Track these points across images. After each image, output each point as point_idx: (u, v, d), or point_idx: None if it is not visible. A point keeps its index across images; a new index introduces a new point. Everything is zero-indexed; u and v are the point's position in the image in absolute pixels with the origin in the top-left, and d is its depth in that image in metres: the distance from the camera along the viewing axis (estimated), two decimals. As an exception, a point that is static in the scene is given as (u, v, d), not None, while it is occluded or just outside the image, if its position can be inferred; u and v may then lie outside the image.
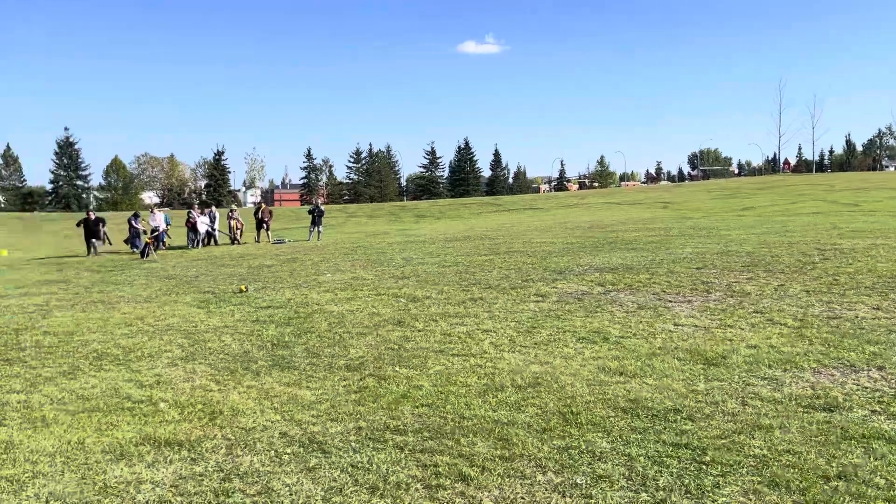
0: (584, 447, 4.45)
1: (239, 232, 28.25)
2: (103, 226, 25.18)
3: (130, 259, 22.39)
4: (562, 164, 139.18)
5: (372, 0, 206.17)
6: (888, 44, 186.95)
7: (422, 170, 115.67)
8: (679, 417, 4.94)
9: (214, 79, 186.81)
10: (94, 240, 24.65)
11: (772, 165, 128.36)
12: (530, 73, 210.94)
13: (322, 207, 28.86)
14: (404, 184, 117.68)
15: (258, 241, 28.78)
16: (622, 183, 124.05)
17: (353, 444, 4.67)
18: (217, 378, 6.54)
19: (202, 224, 27.25)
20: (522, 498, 3.79)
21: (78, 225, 25.42)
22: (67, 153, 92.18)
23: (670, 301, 9.90)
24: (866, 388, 5.48)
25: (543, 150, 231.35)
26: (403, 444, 4.61)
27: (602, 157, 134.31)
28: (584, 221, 32.96)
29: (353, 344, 7.83)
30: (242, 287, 13.07)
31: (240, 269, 17.40)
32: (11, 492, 4.07)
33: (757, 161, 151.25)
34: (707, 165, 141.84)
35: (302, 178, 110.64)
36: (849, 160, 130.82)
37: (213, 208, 29.77)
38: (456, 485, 3.95)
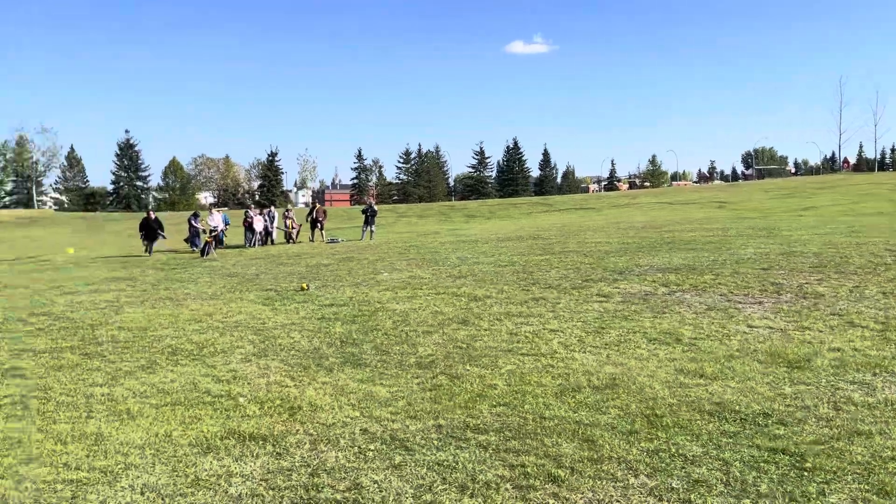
0: (674, 451, 4.33)
1: (295, 231, 28.66)
2: (161, 230, 25.55)
3: (191, 258, 22.91)
4: (612, 164, 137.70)
5: (420, 1, 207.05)
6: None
7: (470, 170, 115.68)
8: (770, 422, 4.78)
9: (268, 80, 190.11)
10: (152, 242, 24.98)
11: (830, 164, 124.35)
12: (579, 73, 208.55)
13: (375, 207, 29.07)
14: (452, 184, 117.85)
15: (312, 241, 29.15)
16: (674, 182, 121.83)
17: (435, 442, 4.65)
18: (291, 374, 6.61)
19: (258, 223, 27.73)
20: (617, 501, 3.70)
21: (141, 228, 25.71)
22: (128, 155, 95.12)
23: (739, 302, 9.63)
24: (967, 394, 5.22)
25: (592, 149, 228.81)
26: (486, 444, 4.57)
27: (654, 157, 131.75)
28: (638, 221, 32.44)
29: (421, 342, 7.82)
30: (304, 285, 13.23)
31: (298, 267, 17.62)
32: (106, 483, 4.16)
33: (814, 160, 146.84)
34: (762, 164, 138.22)
35: (352, 179, 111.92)
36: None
37: (272, 208, 30.14)
38: (547, 486, 3.89)
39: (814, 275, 11.53)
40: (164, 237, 25.58)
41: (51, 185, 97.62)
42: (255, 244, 27.13)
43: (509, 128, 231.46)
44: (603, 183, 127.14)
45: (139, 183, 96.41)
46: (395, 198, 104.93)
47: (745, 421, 4.81)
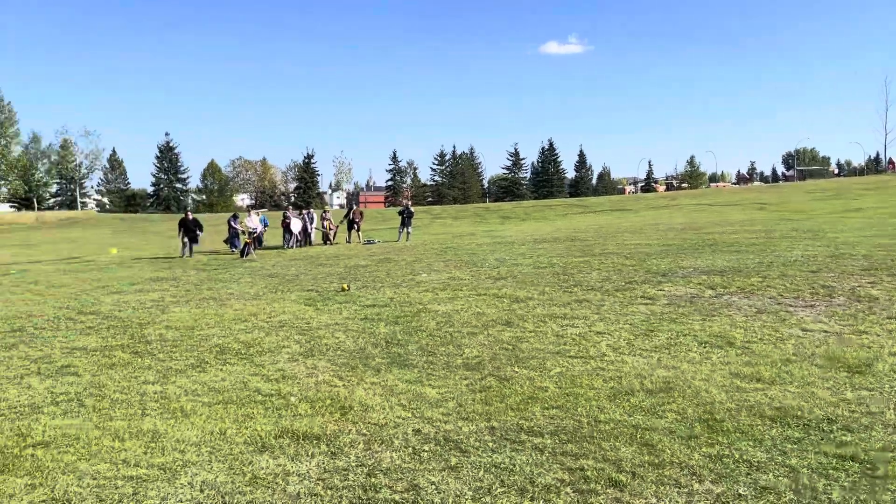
0: (737, 456, 4.22)
1: (332, 233, 28.85)
2: (199, 229, 25.51)
3: (231, 258, 23.21)
4: (649, 165, 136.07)
5: (453, 2, 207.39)
6: None
7: (505, 171, 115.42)
8: (834, 428, 4.63)
9: (305, 83, 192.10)
10: (190, 242, 24.95)
11: (875, 165, 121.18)
12: (614, 73, 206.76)
13: (412, 209, 29.13)
14: (486, 185, 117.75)
15: (349, 242, 29.33)
16: (712, 184, 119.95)
17: (489, 444, 4.60)
18: (339, 374, 6.62)
19: (296, 225, 27.98)
20: (683, 507, 3.61)
21: (180, 227, 25.68)
22: (168, 157, 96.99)
23: (790, 305, 9.40)
24: None
25: (628, 150, 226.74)
26: (542, 447, 4.50)
27: (692, 158, 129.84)
28: (677, 223, 31.99)
29: (466, 343, 7.78)
30: (344, 286, 13.29)
31: (337, 268, 17.72)
32: (165, 480, 4.20)
33: (858, 160, 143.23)
34: (803, 165, 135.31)
35: (387, 181, 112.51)
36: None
37: (311, 210, 30.25)
38: (608, 490, 3.81)
39: (865, 277, 11.21)
40: (200, 233, 25.57)
41: (93, 187, 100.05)
42: (293, 245, 27.38)
43: (544, 129, 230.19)
44: (639, 184, 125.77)
45: (178, 185, 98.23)
46: (430, 199, 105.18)
47: (809, 427, 4.67)
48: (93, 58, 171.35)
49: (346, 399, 5.73)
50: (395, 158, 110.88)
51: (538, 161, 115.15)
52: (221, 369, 6.99)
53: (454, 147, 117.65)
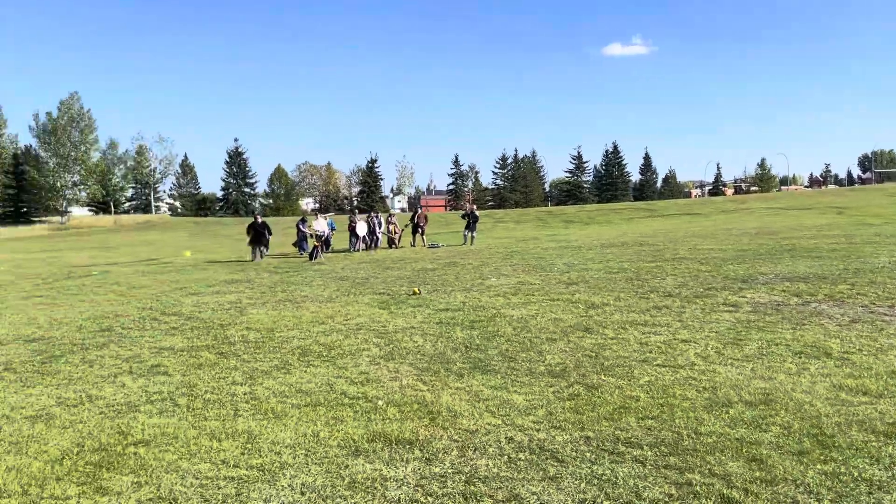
0: (855, 474, 3.99)
1: (397, 236, 29.07)
2: (269, 233, 25.37)
3: (300, 261, 23.62)
4: (718, 168, 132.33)
5: (515, 5, 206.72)
6: None
7: (567, 175, 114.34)
8: (958, 447, 4.33)
9: (368, 87, 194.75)
10: (260, 246, 24.82)
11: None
12: (680, 74, 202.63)
13: (477, 213, 29.09)
14: (548, 189, 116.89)
15: (414, 246, 29.50)
16: (783, 187, 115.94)
17: (587, 454, 4.49)
18: (422, 378, 6.60)
19: (361, 228, 28.30)
20: (803, 528, 3.43)
21: (248, 231, 25.59)
22: (237, 162, 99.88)
23: (885, 315, 8.94)
24: None
25: (695, 153, 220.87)
26: (643, 459, 4.36)
27: (763, 160, 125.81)
28: (750, 227, 31.02)
29: (547, 350, 7.66)
30: (416, 290, 13.32)
31: (405, 272, 17.81)
32: (266, 481, 4.24)
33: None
34: (881, 168, 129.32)
35: (449, 185, 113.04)
36: None
37: (378, 214, 30.36)
38: (720, 507, 3.66)
39: (968, 286, 10.59)
40: (269, 237, 25.47)
41: (165, 192, 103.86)
42: (359, 248, 27.70)
43: (607, 131, 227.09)
44: (706, 187, 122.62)
45: (247, 189, 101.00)
46: (491, 203, 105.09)
47: (930, 445, 4.39)
48: (166, 66, 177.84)
49: (433, 404, 5.70)
50: (456, 162, 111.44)
51: (602, 164, 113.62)
52: (306, 371, 7.07)
53: (516, 150, 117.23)
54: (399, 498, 3.93)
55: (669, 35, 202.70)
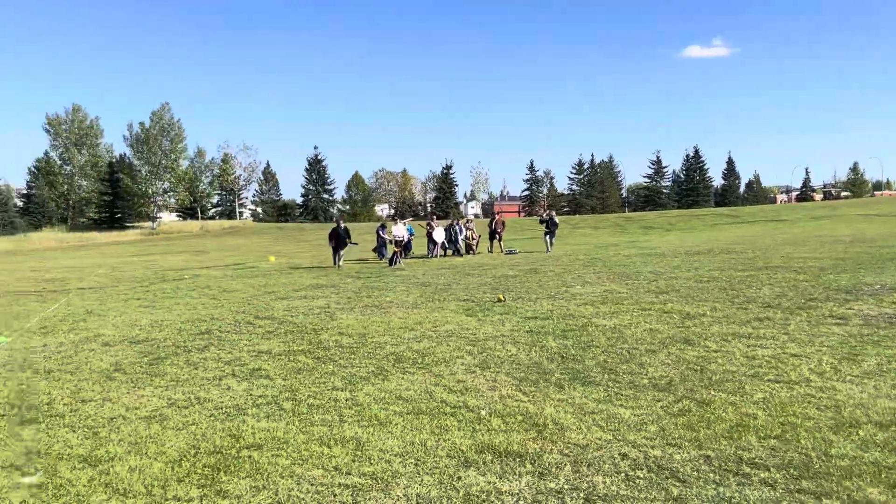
0: None
1: (475, 242, 29.02)
2: (349, 238, 25.14)
3: (380, 267, 23.88)
4: (806, 172, 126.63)
5: (590, 8, 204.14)
6: None
7: (646, 180, 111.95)
8: None
9: (443, 94, 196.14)
10: (341, 252, 24.52)
11: None
12: (763, 76, 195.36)
13: (556, 219, 28.74)
14: (625, 194, 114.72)
15: (491, 252, 29.38)
16: (876, 192, 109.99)
17: (710, 475, 4.28)
18: (521, 388, 6.50)
19: (438, 234, 28.37)
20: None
21: (330, 238, 25.37)
22: (316, 169, 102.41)
23: None
24: None
25: (779, 157, 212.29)
26: (772, 481, 4.12)
27: (856, 164, 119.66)
28: (844, 235, 29.49)
29: (648, 362, 7.42)
30: (500, 297, 13.22)
31: (485, 278, 17.72)
32: (380, 490, 4.23)
33: None
34: None
35: (523, 191, 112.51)
36: None
37: (460, 220, 30.10)
38: (868, 538, 3.41)
39: None
40: (353, 244, 25.43)
41: (248, 198, 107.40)
42: (437, 254, 27.79)
43: (687, 136, 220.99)
44: (793, 193, 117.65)
45: (325, 195, 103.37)
46: (566, 209, 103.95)
47: None
48: (250, 77, 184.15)
49: (537, 416, 5.58)
50: (532, 168, 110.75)
51: (682, 169, 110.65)
52: (403, 378, 7.07)
53: (592, 155, 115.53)
54: (517, 513, 3.84)
55: (751, 36, 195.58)
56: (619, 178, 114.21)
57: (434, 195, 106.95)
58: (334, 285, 17.41)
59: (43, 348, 9.57)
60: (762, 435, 4.95)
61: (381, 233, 28.15)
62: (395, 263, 23.87)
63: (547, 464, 4.54)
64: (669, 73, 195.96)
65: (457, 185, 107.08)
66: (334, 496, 4.15)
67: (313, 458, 4.75)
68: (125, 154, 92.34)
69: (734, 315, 10.23)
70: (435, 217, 30.75)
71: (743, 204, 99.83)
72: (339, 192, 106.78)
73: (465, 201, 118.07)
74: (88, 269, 30.90)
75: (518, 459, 4.63)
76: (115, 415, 6.01)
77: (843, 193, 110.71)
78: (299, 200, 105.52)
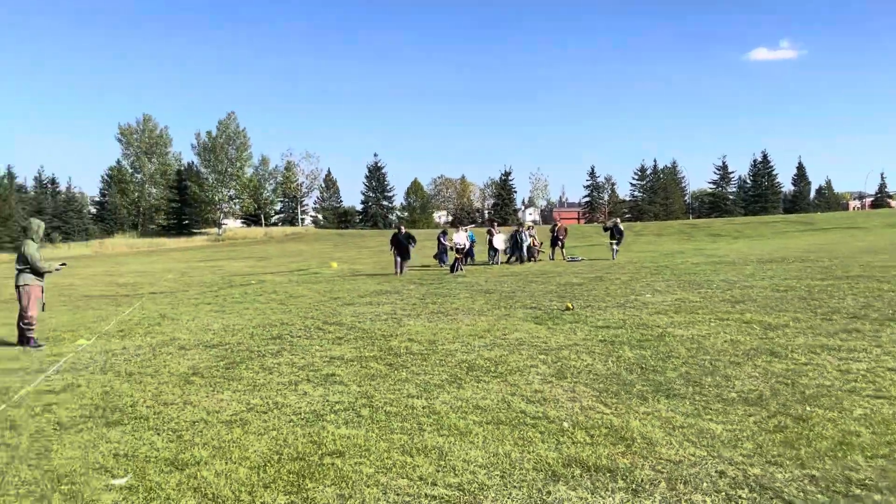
0: None
1: (536, 249, 28.76)
2: (412, 243, 24.99)
3: (441, 273, 23.87)
4: (882, 178, 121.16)
5: (652, 11, 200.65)
6: None
7: (711, 186, 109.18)
8: None
9: (503, 100, 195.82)
10: (402, 260, 24.23)
11: None
12: (834, 78, 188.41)
13: (621, 226, 28.21)
14: (689, 201, 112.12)
15: (552, 259, 29.07)
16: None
17: (818, 497, 4.02)
18: (602, 400, 6.30)
19: (498, 241, 28.21)
20: None
21: (392, 242, 25.19)
22: (376, 176, 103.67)
23: None
24: None
25: (852, 161, 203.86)
26: (889, 506, 3.85)
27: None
28: (928, 243, 28.06)
29: (734, 374, 7.11)
30: (569, 305, 12.99)
31: (549, 286, 17.49)
32: (468, 502, 4.12)
33: None
34: None
35: (584, 197, 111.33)
36: None
37: (523, 229, 29.44)
38: None
39: None
40: (412, 247, 24.98)
41: (310, 205, 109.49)
42: (498, 261, 27.63)
43: (754, 140, 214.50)
44: (866, 199, 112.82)
45: (385, 202, 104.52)
46: (628, 216, 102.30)
47: None
48: (312, 86, 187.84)
49: (623, 429, 5.38)
50: (592, 174, 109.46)
51: (749, 174, 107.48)
52: (477, 386, 6.96)
53: (655, 161, 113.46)
54: (615, 532, 3.67)
55: (819, 37, 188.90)
56: (683, 184, 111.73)
57: (492, 202, 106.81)
58: (398, 291, 17.46)
59: (122, 351, 9.83)
60: (869, 454, 4.64)
61: (442, 239, 28.20)
62: (457, 270, 23.84)
63: (640, 480, 4.35)
64: (735, 76, 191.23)
65: (515, 192, 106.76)
66: (422, 508, 4.06)
67: (397, 468, 4.68)
68: (193, 162, 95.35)
69: (819, 326, 9.76)
70: (496, 224, 30.55)
71: (814, 210, 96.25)
72: (399, 199, 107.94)
73: (522, 208, 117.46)
74: (159, 273, 31.92)
75: (608, 474, 4.45)
76: (197, 418, 6.08)
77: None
78: (359, 207, 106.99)
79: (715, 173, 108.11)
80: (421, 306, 14.04)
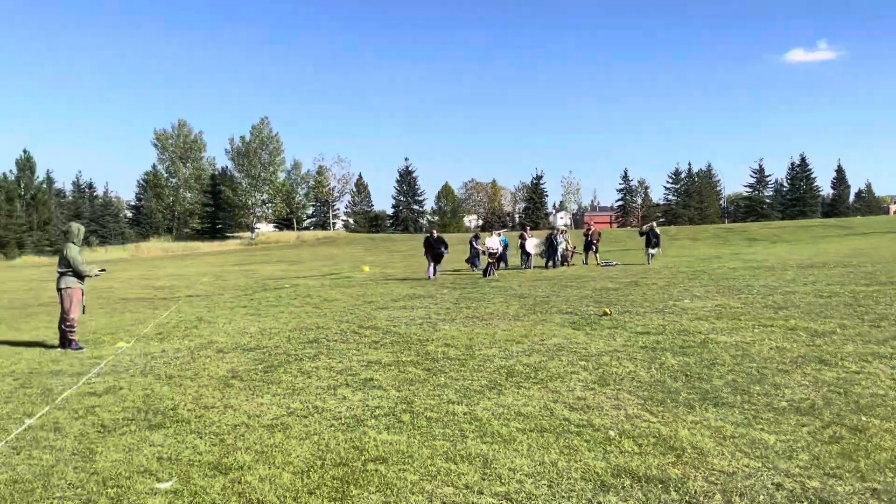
0: None
1: (570, 254, 28.48)
2: (445, 248, 24.61)
3: (474, 277, 23.74)
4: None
5: (687, 12, 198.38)
6: None
7: (747, 189, 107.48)
8: None
9: (533, 105, 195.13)
10: (435, 264, 23.94)
11: None
12: (872, 79, 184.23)
13: (657, 230, 27.81)
14: (724, 205, 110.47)
15: (586, 263, 28.78)
16: None
17: (884, 512, 3.85)
18: (648, 408, 6.15)
19: (531, 245, 27.98)
20: None
21: (425, 247, 24.85)
22: (407, 181, 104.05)
23: None
24: None
25: (893, 164, 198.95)
26: (962, 524, 3.66)
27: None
28: (977, 248, 27.19)
29: (782, 382, 6.90)
30: (606, 310, 12.80)
31: (585, 290, 17.28)
32: (515, 512, 4.03)
33: None
34: None
35: (617, 201, 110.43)
36: None
37: (557, 233, 28.88)
38: None
39: None
40: (445, 252, 24.58)
41: (341, 209, 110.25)
42: (531, 266, 27.42)
43: (790, 143, 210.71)
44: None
45: (415, 206, 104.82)
46: (662, 220, 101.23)
47: None
48: (343, 93, 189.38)
49: (671, 438, 5.24)
50: (626, 177, 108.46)
51: (787, 178, 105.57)
52: (518, 392, 6.86)
53: (689, 164, 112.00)
54: (671, 546, 3.55)
55: (858, 38, 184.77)
56: (718, 188, 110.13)
57: (524, 205, 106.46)
58: (431, 296, 17.40)
59: (161, 354, 9.91)
60: (936, 469, 4.44)
61: (474, 243, 28.06)
62: (490, 275, 23.69)
63: (693, 492, 4.21)
64: (772, 78, 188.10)
65: (546, 196, 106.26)
66: (469, 517, 3.98)
67: (441, 475, 4.60)
68: (226, 167, 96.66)
69: (868, 333, 9.48)
70: (528, 228, 30.34)
71: (853, 214, 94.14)
72: (429, 204, 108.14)
73: (553, 212, 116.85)
74: (194, 277, 32.32)
75: (660, 486, 4.32)
76: (238, 422, 6.08)
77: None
78: (390, 211, 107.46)
79: (751, 177, 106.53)
80: (455, 311, 13.96)
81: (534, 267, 27.38)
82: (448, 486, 4.41)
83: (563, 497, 4.20)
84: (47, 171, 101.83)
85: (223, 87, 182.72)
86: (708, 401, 6.30)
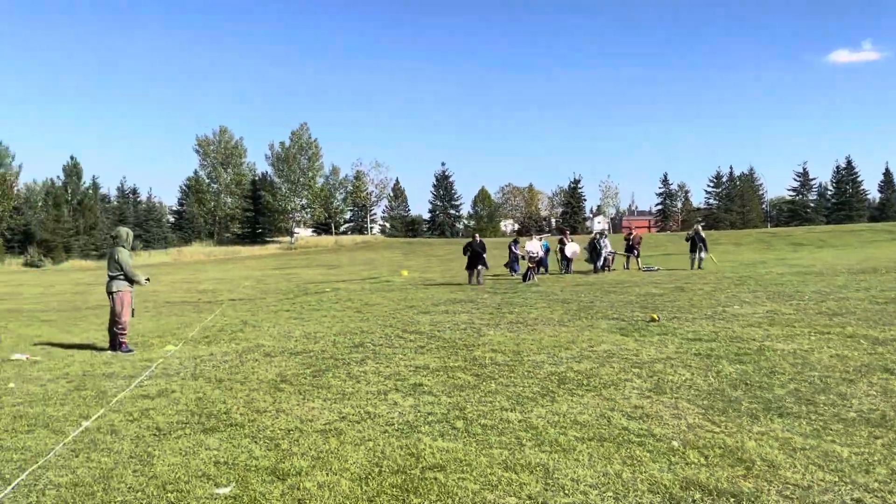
0: None
1: (611, 258, 28.14)
2: (484, 251, 24.06)
3: (514, 282, 23.58)
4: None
5: (725, 12, 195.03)
6: None
7: (790, 193, 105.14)
8: None
9: (570, 108, 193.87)
10: (478, 267, 23.48)
11: None
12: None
13: (703, 234, 27.28)
14: (767, 209, 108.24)
15: (627, 268, 28.41)
16: None
17: (979, 533, 3.63)
18: (709, 418, 5.96)
19: (570, 250, 27.71)
20: None
21: (465, 251, 24.54)
22: (443, 185, 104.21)
23: None
24: None
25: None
26: None
27: None
28: None
29: (849, 392, 6.64)
30: (654, 316, 12.55)
31: (629, 296, 17.00)
32: (582, 524, 3.90)
33: None
34: None
35: (656, 205, 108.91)
36: None
37: (598, 237, 28.29)
38: None
39: None
40: (485, 265, 24.01)
41: (379, 214, 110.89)
42: (570, 271, 27.15)
43: (835, 146, 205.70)
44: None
45: (452, 211, 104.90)
46: (703, 224, 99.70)
47: None
48: (381, 98, 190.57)
49: (739, 450, 5.05)
50: (665, 181, 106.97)
51: (832, 181, 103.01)
52: (572, 400, 6.71)
53: (731, 168, 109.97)
54: (752, 565, 3.39)
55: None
56: (761, 192, 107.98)
57: (561, 210, 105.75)
58: (472, 300, 17.30)
59: (210, 357, 9.99)
60: None
61: (513, 248, 27.91)
62: (530, 279, 23.50)
63: (768, 506, 4.04)
64: (815, 80, 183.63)
65: (585, 200, 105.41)
66: (535, 529, 3.86)
67: (503, 485, 4.49)
68: (266, 172, 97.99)
69: (934, 342, 9.10)
70: (568, 232, 30.07)
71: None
72: (466, 208, 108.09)
73: (591, 216, 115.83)
74: (236, 281, 32.75)
75: (733, 499, 4.15)
76: (291, 427, 6.05)
77: None
78: (426, 216, 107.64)
79: (795, 180, 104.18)
80: (498, 316, 13.84)
81: (573, 272, 27.11)
82: (510, 496, 4.31)
83: (632, 510, 4.06)
84: (93, 176, 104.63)
85: (264, 92, 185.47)
86: (772, 411, 6.08)
